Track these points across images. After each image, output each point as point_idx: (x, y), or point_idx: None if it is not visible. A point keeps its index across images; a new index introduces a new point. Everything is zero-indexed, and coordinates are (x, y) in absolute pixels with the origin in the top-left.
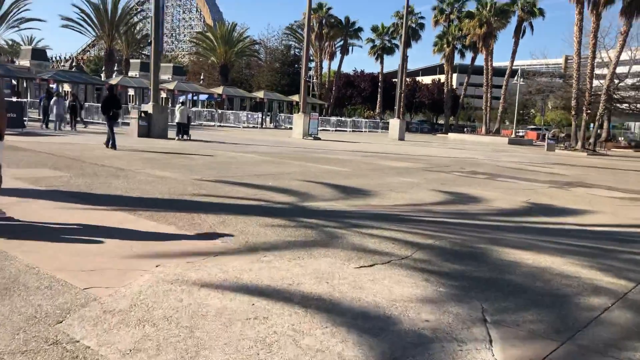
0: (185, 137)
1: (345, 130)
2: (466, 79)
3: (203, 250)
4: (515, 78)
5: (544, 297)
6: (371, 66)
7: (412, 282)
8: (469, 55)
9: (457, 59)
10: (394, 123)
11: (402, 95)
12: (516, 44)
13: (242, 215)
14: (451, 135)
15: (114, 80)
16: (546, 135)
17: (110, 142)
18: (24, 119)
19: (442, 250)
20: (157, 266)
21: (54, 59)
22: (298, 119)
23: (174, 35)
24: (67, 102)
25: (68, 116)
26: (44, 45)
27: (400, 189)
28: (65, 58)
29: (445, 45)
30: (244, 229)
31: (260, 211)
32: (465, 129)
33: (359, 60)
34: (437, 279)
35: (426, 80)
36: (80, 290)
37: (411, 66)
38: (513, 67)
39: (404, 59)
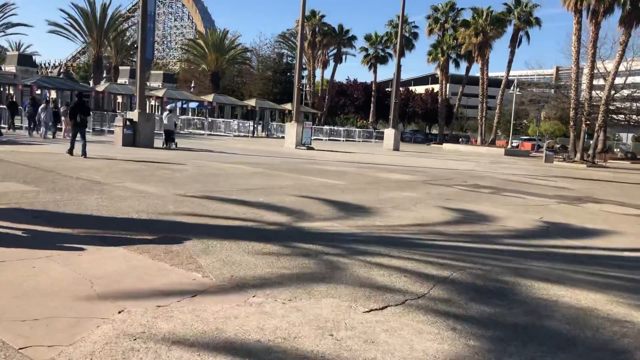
0: (170, 144)
1: (339, 140)
2: (460, 88)
3: (179, 288)
4: (512, 88)
5: (600, 352)
6: (364, 75)
7: (435, 333)
8: (463, 65)
9: (452, 69)
10: (389, 133)
11: (398, 104)
12: (512, 53)
13: (229, 239)
14: (446, 145)
15: (101, 87)
16: (544, 147)
17: (74, 148)
18: (1, 126)
19: (463, 285)
20: (119, 312)
21: (43, 65)
22: (291, 128)
23: (165, 42)
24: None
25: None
26: (32, 52)
27: (404, 206)
28: (53, 65)
29: (439, 55)
30: (230, 257)
31: (250, 234)
32: (460, 140)
33: (352, 69)
34: (465, 327)
35: (419, 89)
36: (13, 351)
37: (404, 76)
38: (509, 77)
39: (399, 68)
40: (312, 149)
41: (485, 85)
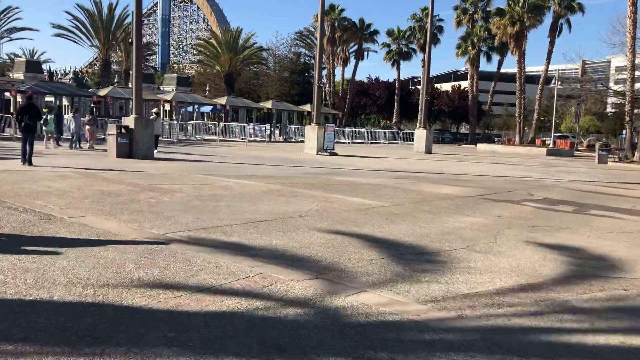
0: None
1: (363, 143)
2: (492, 84)
3: None
4: (552, 82)
5: None
6: (385, 74)
7: None
8: (494, 59)
9: (483, 64)
10: (420, 134)
11: (426, 101)
12: (552, 43)
13: (211, 357)
14: (480, 146)
15: (103, 91)
16: (596, 146)
17: (26, 157)
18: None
19: None
20: None
21: (57, 73)
22: (311, 132)
23: (180, 46)
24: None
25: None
26: (46, 59)
27: (481, 244)
28: (65, 72)
29: (469, 48)
30: None
31: (252, 339)
32: (496, 139)
33: (372, 68)
34: None
35: (444, 87)
36: None
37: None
38: (548, 71)
39: (429, 61)
40: (336, 154)
41: (522, 80)
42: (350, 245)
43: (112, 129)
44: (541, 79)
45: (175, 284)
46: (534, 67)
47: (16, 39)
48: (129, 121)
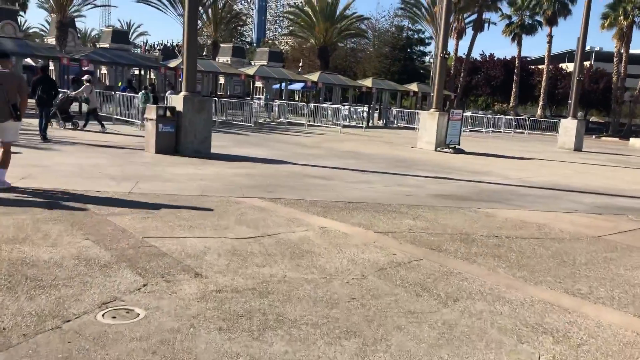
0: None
1: (480, 131)
2: None
3: None
4: None
5: None
6: (500, 50)
7: None
8: None
9: (637, 40)
10: (569, 125)
11: (579, 82)
12: None
13: None
14: (634, 141)
15: (174, 62)
16: None
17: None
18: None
19: None
20: None
21: (154, 46)
22: (429, 120)
23: (277, 21)
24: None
25: None
26: (142, 32)
27: None
28: (154, 45)
29: (621, 18)
30: None
31: None
32: None
33: (484, 44)
34: None
35: (570, 67)
36: None
37: (553, 50)
38: None
39: (586, 23)
40: (462, 151)
41: None
42: None
43: (150, 112)
44: None
45: None
46: None
47: (100, 6)
48: (176, 101)
